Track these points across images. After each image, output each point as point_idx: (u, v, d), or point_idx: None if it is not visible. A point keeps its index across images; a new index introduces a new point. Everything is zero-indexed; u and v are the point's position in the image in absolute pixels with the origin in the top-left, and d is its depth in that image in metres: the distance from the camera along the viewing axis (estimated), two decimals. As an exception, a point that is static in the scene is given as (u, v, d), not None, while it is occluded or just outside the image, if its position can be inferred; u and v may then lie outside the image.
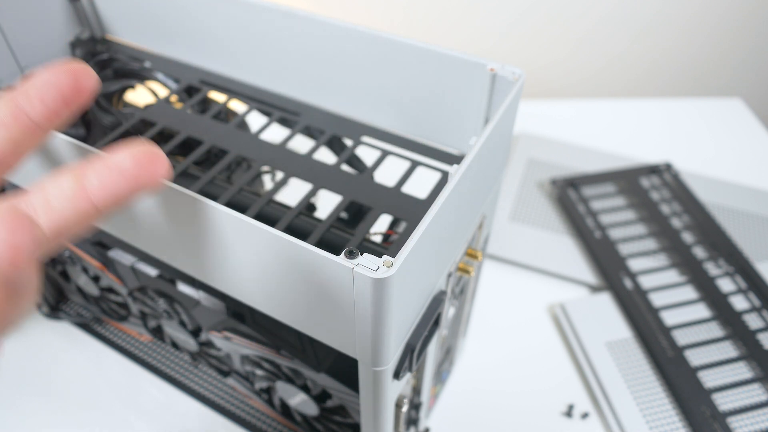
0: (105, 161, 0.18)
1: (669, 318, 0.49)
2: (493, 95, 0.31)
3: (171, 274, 0.36)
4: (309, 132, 0.37)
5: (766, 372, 0.46)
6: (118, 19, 0.41)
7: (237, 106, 0.41)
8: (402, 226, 0.31)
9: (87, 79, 0.19)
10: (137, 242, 0.30)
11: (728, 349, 0.47)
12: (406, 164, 0.34)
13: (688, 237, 0.56)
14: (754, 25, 0.83)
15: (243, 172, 0.40)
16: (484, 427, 0.44)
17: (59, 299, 0.49)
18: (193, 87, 0.41)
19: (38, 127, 0.19)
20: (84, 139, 0.38)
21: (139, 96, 0.42)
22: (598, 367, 0.46)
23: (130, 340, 0.47)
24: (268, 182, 0.44)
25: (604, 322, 0.50)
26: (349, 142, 0.36)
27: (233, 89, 0.40)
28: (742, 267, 0.53)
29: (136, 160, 0.18)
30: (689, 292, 0.51)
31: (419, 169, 0.34)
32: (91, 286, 0.44)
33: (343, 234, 0.30)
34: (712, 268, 0.53)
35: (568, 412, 0.45)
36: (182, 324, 0.40)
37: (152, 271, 0.37)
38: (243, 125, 0.40)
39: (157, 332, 0.44)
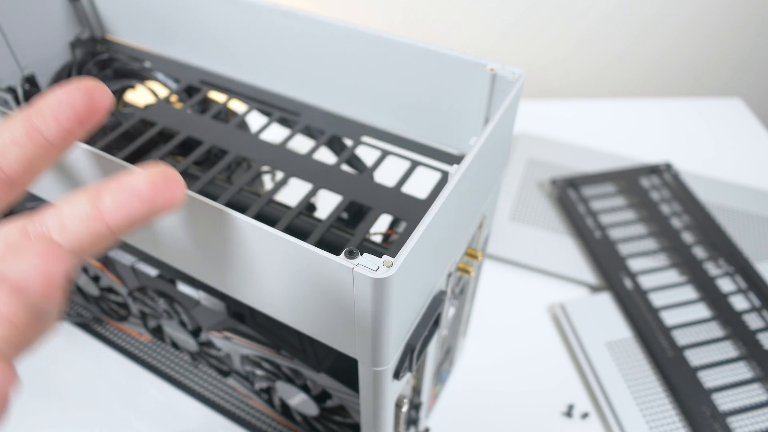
0: (121, 183, 0.18)
1: (669, 318, 0.49)
2: (493, 95, 0.31)
3: (171, 274, 0.36)
4: (309, 132, 0.37)
5: (766, 372, 0.46)
6: (118, 19, 0.41)
7: (237, 106, 0.41)
8: (402, 226, 0.31)
9: (102, 97, 0.19)
10: (134, 241, 0.30)
11: (728, 349, 0.47)
12: (406, 164, 0.34)
13: (688, 237, 0.56)
14: (754, 25, 0.83)
15: (243, 172, 0.40)
16: (484, 427, 0.44)
17: (59, 299, 0.49)
18: (193, 87, 0.41)
19: (52, 146, 0.19)
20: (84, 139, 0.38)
21: (139, 96, 0.42)
22: (598, 367, 0.46)
23: (130, 340, 0.47)
24: (268, 182, 0.44)
25: (604, 322, 0.50)
26: (349, 142, 0.36)
27: (233, 89, 0.40)
28: (742, 267, 0.53)
29: (152, 183, 0.18)
30: (689, 292, 0.51)
31: (419, 169, 0.34)
32: (91, 286, 0.44)
33: (343, 234, 0.30)
34: (712, 268, 0.53)
35: (568, 412, 0.45)
36: (182, 324, 0.40)
37: (152, 271, 0.37)
38: (243, 125, 0.40)
39: (157, 332, 0.44)
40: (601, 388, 0.45)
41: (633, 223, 0.58)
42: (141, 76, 0.41)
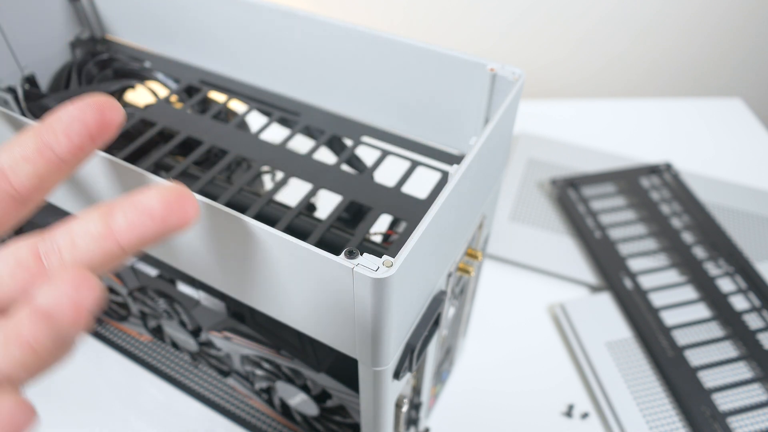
0: (133, 201, 0.17)
1: (669, 318, 0.49)
2: (493, 95, 0.31)
3: (171, 274, 0.36)
4: (309, 132, 0.37)
5: (766, 372, 0.46)
6: (118, 19, 0.41)
7: (237, 106, 0.41)
8: (402, 226, 0.31)
9: (113, 113, 0.19)
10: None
11: (728, 349, 0.47)
12: (406, 164, 0.34)
13: (688, 237, 0.56)
14: (754, 25, 0.83)
15: (243, 172, 0.40)
16: (484, 427, 0.44)
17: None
18: (193, 87, 0.41)
19: (64, 163, 0.18)
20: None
21: (139, 96, 0.42)
22: (598, 367, 0.46)
23: (130, 340, 0.47)
24: (268, 182, 0.44)
25: (604, 322, 0.50)
26: (349, 142, 0.36)
27: (233, 89, 0.40)
28: (742, 267, 0.53)
29: (165, 202, 0.17)
30: (689, 292, 0.51)
31: (419, 169, 0.34)
32: (91, 286, 0.44)
33: (343, 234, 0.30)
34: (712, 268, 0.53)
35: (568, 412, 0.45)
36: (182, 324, 0.40)
37: (152, 271, 0.37)
38: (243, 125, 0.40)
39: (157, 332, 0.44)
40: (601, 388, 0.45)
41: (633, 223, 0.58)
42: (141, 76, 0.41)
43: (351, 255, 0.21)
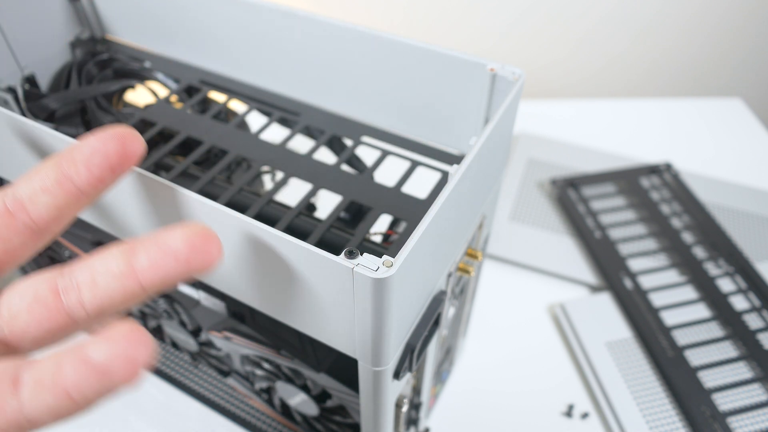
0: (157, 241, 0.17)
1: (669, 318, 0.49)
2: (493, 95, 0.31)
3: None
4: (309, 132, 0.37)
5: (766, 372, 0.46)
6: (118, 19, 0.41)
7: (237, 106, 0.41)
8: (402, 226, 0.31)
9: (135, 144, 0.18)
10: (128, 237, 0.30)
11: (728, 349, 0.47)
12: (406, 164, 0.34)
13: (688, 237, 0.56)
14: (754, 25, 0.83)
15: (243, 172, 0.40)
16: (484, 427, 0.44)
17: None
18: (193, 87, 0.41)
19: (83, 194, 0.18)
20: (84, 139, 0.38)
21: (139, 96, 0.42)
22: (598, 367, 0.46)
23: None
24: (268, 182, 0.44)
25: (604, 322, 0.50)
26: (349, 142, 0.36)
27: (233, 89, 0.40)
28: (742, 267, 0.53)
29: (190, 243, 0.17)
30: (689, 292, 0.51)
31: (419, 169, 0.34)
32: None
33: (343, 234, 0.30)
34: (712, 268, 0.53)
35: (568, 412, 0.45)
36: (182, 324, 0.40)
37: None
38: (243, 125, 0.40)
39: (157, 332, 0.44)
40: (601, 388, 0.45)
41: (633, 223, 0.58)
42: (141, 76, 0.41)
43: (351, 255, 0.21)
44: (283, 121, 0.38)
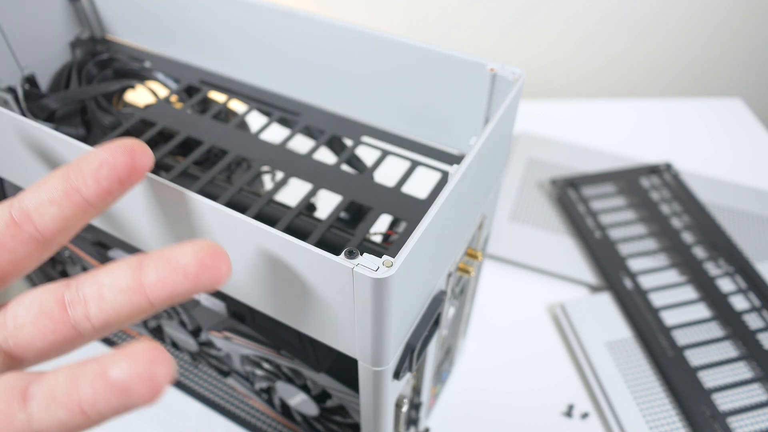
0: (166, 257, 0.17)
1: (669, 318, 0.49)
2: (493, 95, 0.31)
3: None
4: (309, 132, 0.37)
5: (766, 372, 0.46)
6: (118, 19, 0.41)
7: (237, 106, 0.41)
8: (402, 226, 0.31)
9: (143, 157, 0.18)
10: (134, 241, 0.30)
11: (728, 349, 0.47)
12: (406, 164, 0.34)
13: (688, 237, 0.56)
14: (754, 25, 0.83)
15: (243, 172, 0.40)
16: (484, 427, 0.44)
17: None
18: (193, 87, 0.41)
19: (90, 206, 0.18)
20: (84, 139, 0.38)
21: (139, 96, 0.42)
22: (598, 367, 0.46)
23: (130, 340, 0.47)
24: (268, 182, 0.44)
25: (604, 322, 0.50)
26: (349, 142, 0.36)
27: (233, 89, 0.40)
28: (742, 267, 0.53)
29: (199, 259, 0.17)
30: (689, 292, 0.51)
31: (419, 169, 0.34)
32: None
33: (343, 234, 0.30)
34: (712, 268, 0.53)
35: (568, 412, 0.45)
36: (182, 324, 0.40)
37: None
38: (243, 125, 0.40)
39: (157, 332, 0.44)
40: (601, 388, 0.45)
41: (633, 223, 0.58)
42: (141, 76, 0.41)
43: (351, 255, 0.21)
44: (283, 121, 0.38)
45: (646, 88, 0.90)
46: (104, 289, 0.17)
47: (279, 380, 0.37)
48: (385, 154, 0.35)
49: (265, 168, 0.36)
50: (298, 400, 0.37)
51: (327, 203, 0.36)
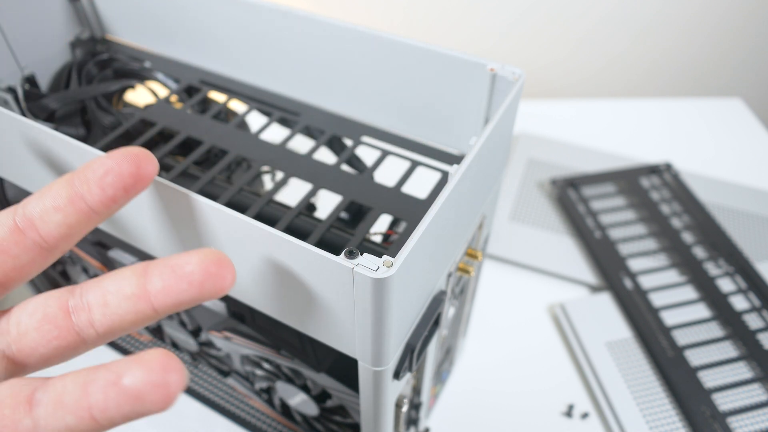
0: (172, 265, 0.17)
1: (669, 318, 0.49)
2: (493, 95, 0.31)
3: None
4: (309, 132, 0.37)
5: (766, 372, 0.46)
6: (118, 19, 0.41)
7: (237, 106, 0.41)
8: (402, 226, 0.31)
9: (149, 165, 0.18)
10: (134, 241, 0.30)
11: (728, 349, 0.47)
12: (406, 164, 0.34)
13: (688, 237, 0.56)
14: (754, 25, 0.83)
15: (243, 172, 0.40)
16: (484, 427, 0.44)
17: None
18: (193, 87, 0.41)
19: (95, 213, 0.18)
20: (84, 139, 0.38)
21: (139, 96, 0.42)
22: (598, 367, 0.46)
23: (130, 340, 0.47)
24: (268, 182, 0.44)
25: (604, 322, 0.50)
26: (349, 142, 0.36)
27: (233, 89, 0.40)
28: (742, 267, 0.53)
29: (204, 267, 0.17)
30: (689, 292, 0.51)
31: (419, 169, 0.34)
32: (91, 286, 0.44)
33: (343, 234, 0.30)
34: (712, 268, 0.53)
35: (568, 412, 0.45)
36: (182, 324, 0.40)
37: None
38: (243, 125, 0.40)
39: (157, 332, 0.44)
40: (601, 388, 0.45)
41: (633, 223, 0.58)
42: (141, 76, 0.41)
43: (351, 255, 0.21)
44: (283, 121, 0.38)
45: (646, 88, 0.90)
46: (109, 296, 0.17)
47: (279, 380, 0.37)
48: (385, 154, 0.35)
49: (265, 168, 0.36)
50: (298, 400, 0.37)
51: (327, 203, 0.36)
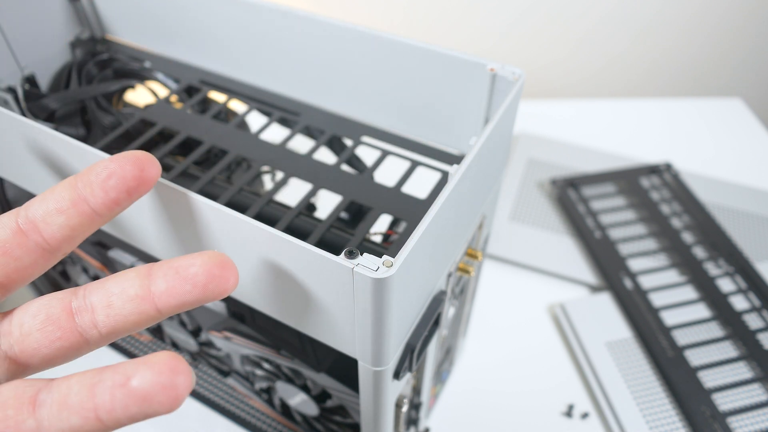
0: (175, 266, 0.17)
1: (669, 318, 0.49)
2: (493, 95, 0.31)
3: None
4: (309, 132, 0.37)
5: (766, 372, 0.46)
6: (118, 19, 0.41)
7: (237, 106, 0.41)
8: (402, 226, 0.31)
9: (152, 168, 0.18)
10: (134, 240, 0.30)
11: (728, 349, 0.47)
12: (406, 164, 0.34)
13: (688, 237, 0.56)
14: (754, 25, 0.83)
15: (243, 172, 0.40)
16: (484, 427, 0.44)
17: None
18: (193, 87, 0.41)
19: (98, 215, 0.18)
20: (84, 139, 0.38)
21: (139, 96, 0.42)
22: (598, 367, 0.46)
23: (130, 340, 0.47)
24: (268, 182, 0.44)
25: (604, 322, 0.50)
26: (349, 142, 0.36)
27: (233, 89, 0.40)
28: (742, 267, 0.53)
29: (207, 269, 0.17)
30: (689, 292, 0.51)
31: (419, 169, 0.34)
32: (91, 286, 0.44)
33: (343, 234, 0.30)
34: (712, 268, 0.53)
35: (568, 412, 0.45)
36: (182, 324, 0.40)
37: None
38: (243, 125, 0.40)
39: (157, 332, 0.44)
40: (601, 388, 0.45)
41: (633, 223, 0.58)
42: (141, 76, 0.41)
43: (351, 255, 0.21)
44: (283, 121, 0.38)
45: (646, 88, 0.90)
46: (112, 297, 0.17)
47: (279, 380, 0.37)
48: (385, 154, 0.35)
49: (265, 168, 0.36)
50: (298, 400, 0.37)
51: (327, 203, 0.36)
